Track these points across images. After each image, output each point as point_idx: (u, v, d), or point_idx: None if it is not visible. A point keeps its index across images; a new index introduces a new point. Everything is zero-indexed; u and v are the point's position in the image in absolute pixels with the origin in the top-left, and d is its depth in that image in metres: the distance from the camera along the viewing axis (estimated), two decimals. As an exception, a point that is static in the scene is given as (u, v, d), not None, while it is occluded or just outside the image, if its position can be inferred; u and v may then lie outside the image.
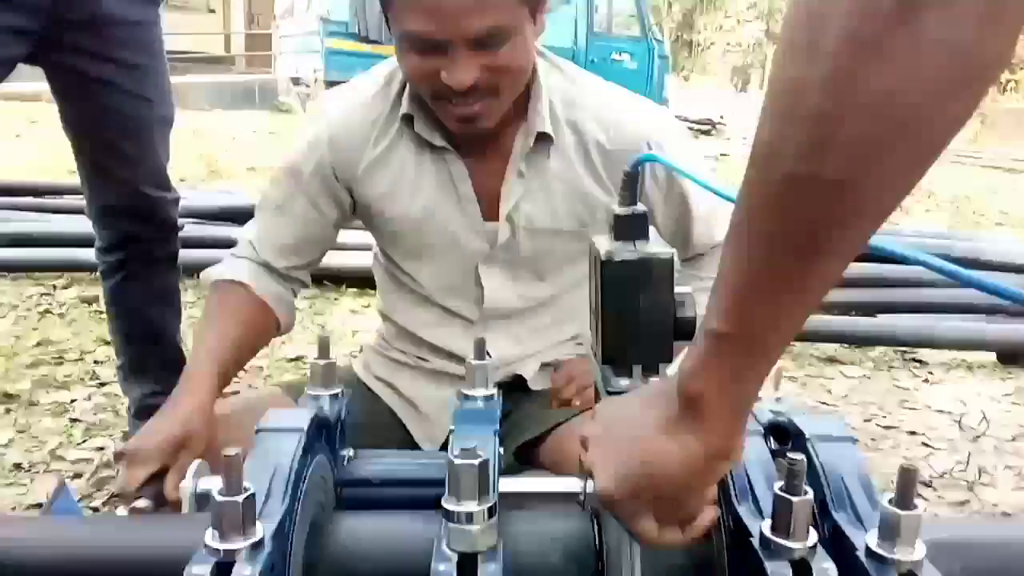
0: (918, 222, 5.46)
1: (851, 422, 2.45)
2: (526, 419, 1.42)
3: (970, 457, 2.20)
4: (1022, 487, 2.10)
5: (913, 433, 2.40)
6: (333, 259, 3.33)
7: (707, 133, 14.15)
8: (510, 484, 1.04)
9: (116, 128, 1.73)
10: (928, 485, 2.05)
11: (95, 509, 1.82)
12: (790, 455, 0.71)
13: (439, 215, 1.36)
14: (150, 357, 1.93)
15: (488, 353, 1.08)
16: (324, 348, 1.06)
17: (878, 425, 2.44)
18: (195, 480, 1.03)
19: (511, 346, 1.44)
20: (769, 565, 0.69)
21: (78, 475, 1.96)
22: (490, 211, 1.36)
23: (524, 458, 1.40)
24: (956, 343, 3.01)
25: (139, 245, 1.86)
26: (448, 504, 0.71)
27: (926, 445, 2.30)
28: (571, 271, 1.44)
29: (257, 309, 1.35)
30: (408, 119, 1.32)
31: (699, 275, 1.45)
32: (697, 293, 1.44)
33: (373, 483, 1.05)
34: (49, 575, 0.84)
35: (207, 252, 3.37)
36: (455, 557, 0.70)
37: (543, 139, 1.31)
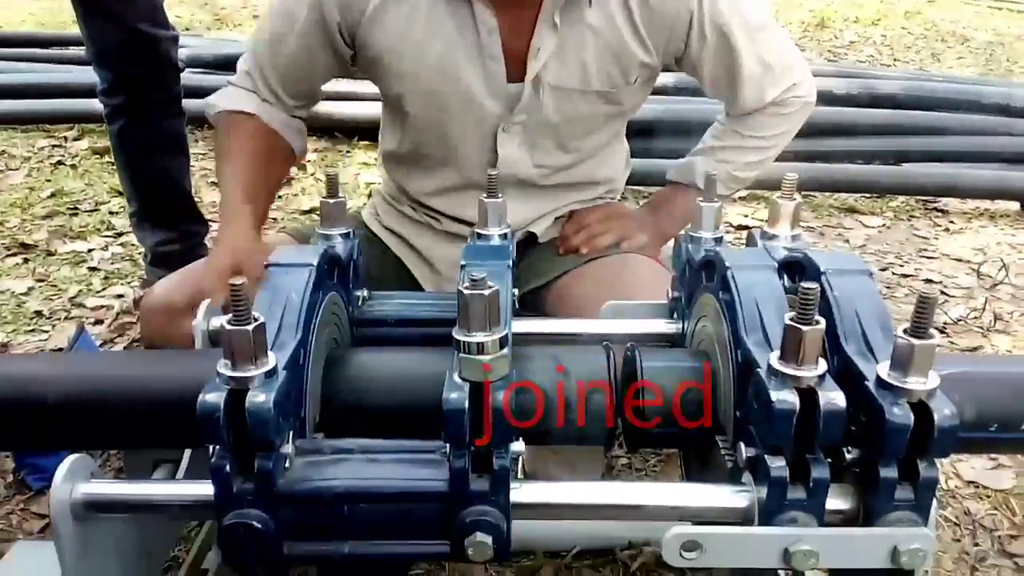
0: (950, 69, 5.24)
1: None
2: (533, 267, 1.40)
3: (986, 304, 2.18)
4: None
5: (930, 281, 2.38)
6: (344, 110, 3.33)
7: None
8: (521, 325, 1.04)
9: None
10: (942, 331, 2.05)
11: (117, 354, 1.85)
12: (803, 284, 0.69)
13: (455, 70, 1.25)
14: (161, 204, 1.92)
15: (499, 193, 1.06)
16: (333, 186, 1.03)
17: (894, 273, 2.42)
18: (207, 318, 1.05)
19: (525, 211, 1.40)
20: (775, 394, 0.68)
21: (99, 321, 1.99)
22: (513, 70, 1.26)
23: (531, 305, 1.39)
24: (979, 192, 2.94)
25: (140, 87, 1.81)
26: (459, 335, 0.70)
27: (943, 293, 2.28)
28: (592, 140, 1.37)
29: (270, 139, 1.31)
30: None
31: (742, 132, 1.40)
32: (734, 151, 1.43)
33: (388, 323, 1.05)
34: (71, 407, 0.85)
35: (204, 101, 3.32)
36: (466, 386, 0.69)
37: None
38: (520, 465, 0.74)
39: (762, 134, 1.40)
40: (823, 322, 0.69)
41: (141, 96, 1.83)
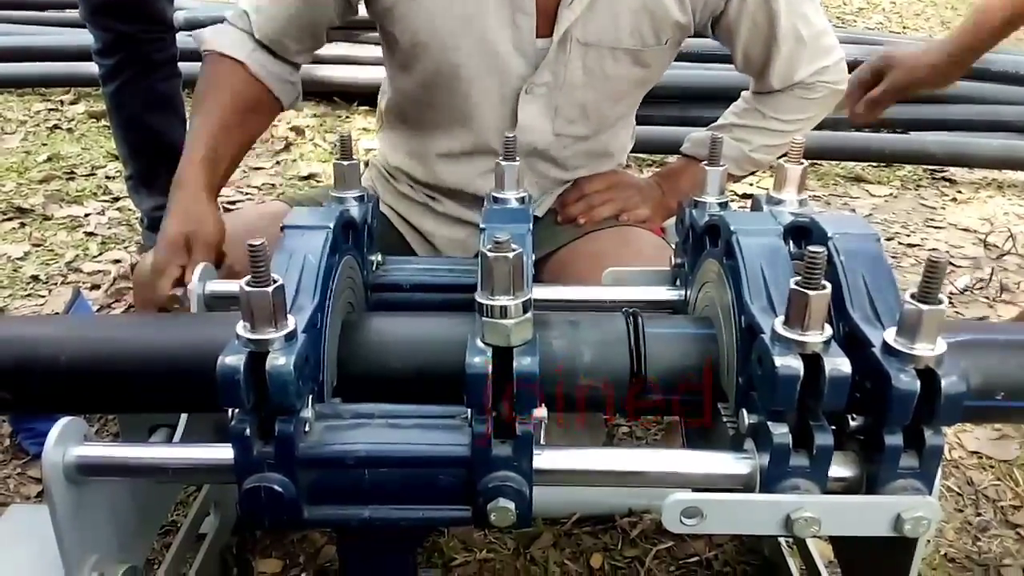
0: (960, 37, 5.17)
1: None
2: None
3: (993, 274, 2.16)
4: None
5: (936, 251, 2.35)
6: (344, 74, 3.28)
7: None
8: (537, 291, 1.03)
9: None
10: (948, 301, 2.03)
11: (114, 319, 1.84)
12: (810, 248, 0.67)
13: (481, 23, 1.18)
14: (157, 167, 1.89)
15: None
16: (346, 148, 1.01)
17: (900, 243, 2.39)
18: (201, 282, 1.03)
19: (532, 185, 1.36)
20: (779, 359, 0.67)
21: (95, 287, 1.97)
22: (542, 25, 1.20)
23: None
24: (988, 161, 2.90)
25: (135, 46, 1.78)
26: (482, 298, 0.68)
27: (949, 263, 2.26)
28: (615, 109, 1.33)
29: (253, 91, 1.23)
30: None
31: (764, 112, 1.37)
32: (753, 132, 1.40)
33: (403, 288, 1.04)
34: (84, 369, 0.83)
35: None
36: (489, 351, 0.68)
37: None
38: (543, 430, 0.73)
39: (784, 117, 1.37)
40: (829, 287, 0.67)
41: (136, 56, 1.80)
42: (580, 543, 1.20)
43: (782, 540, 1.13)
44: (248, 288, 0.67)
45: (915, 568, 0.76)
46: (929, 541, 1.23)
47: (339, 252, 0.88)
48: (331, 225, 0.85)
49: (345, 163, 1.00)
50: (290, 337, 0.69)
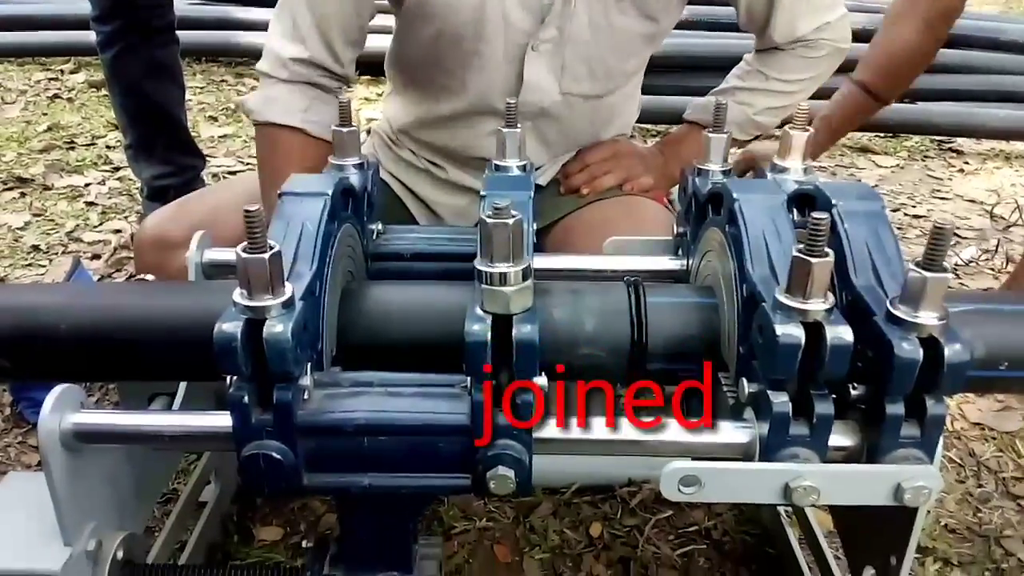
0: (970, 5, 5.10)
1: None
2: (532, 209, 1.36)
3: (998, 246, 2.14)
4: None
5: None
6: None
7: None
8: (539, 261, 1.02)
9: None
10: (953, 273, 2.02)
11: (116, 288, 1.83)
12: (813, 214, 0.66)
13: None
14: (156, 136, 1.88)
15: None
16: (346, 114, 0.99)
17: (906, 214, 2.38)
18: (199, 250, 1.02)
19: (538, 150, 1.34)
20: (780, 327, 0.66)
21: (96, 256, 1.97)
22: None
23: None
24: (996, 132, 2.87)
25: (132, 12, 1.76)
26: (481, 265, 0.68)
27: (955, 234, 2.25)
28: (622, 67, 1.31)
29: (317, 152, 1.18)
30: None
31: (767, 73, 1.35)
32: (755, 94, 1.37)
33: (404, 257, 1.03)
34: (84, 337, 0.83)
35: (209, 34, 3.24)
36: (489, 319, 0.67)
37: None
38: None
39: (787, 77, 1.35)
40: (832, 254, 0.66)
41: (134, 23, 1.78)
42: (580, 512, 1.20)
43: (781, 510, 1.13)
44: (245, 255, 0.66)
45: (915, 538, 0.76)
46: (930, 512, 1.23)
47: (338, 220, 0.87)
48: (329, 192, 0.84)
49: (344, 130, 0.99)
50: (288, 304, 0.68)
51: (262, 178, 1.24)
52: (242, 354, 0.66)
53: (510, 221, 0.67)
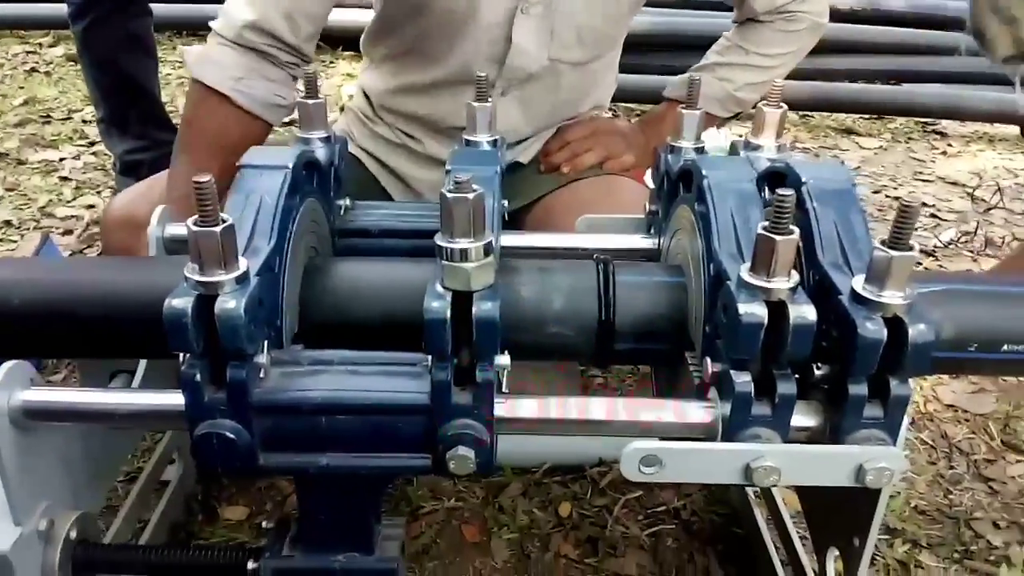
0: (958, -12, 5.08)
1: (860, 192, 2.37)
2: (512, 188, 1.34)
3: (978, 228, 2.14)
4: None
5: (923, 204, 2.33)
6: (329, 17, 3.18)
7: None
8: (510, 239, 1.00)
9: None
10: (931, 255, 2.02)
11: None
12: (778, 191, 0.65)
13: None
14: (129, 110, 1.85)
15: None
16: (312, 86, 0.97)
17: (887, 196, 2.37)
18: (160, 225, 1.00)
19: (521, 120, 1.32)
20: (743, 306, 0.65)
21: (68, 232, 1.94)
22: None
23: (509, 227, 1.34)
24: (980, 114, 2.86)
25: (104, -16, 1.72)
26: (441, 240, 0.66)
27: (935, 216, 2.24)
28: (611, 29, 1.29)
29: (239, 127, 1.16)
30: None
31: (747, 48, 1.34)
32: (735, 69, 1.35)
33: (372, 233, 1.01)
34: (34, 313, 0.81)
35: (183, 7, 3.18)
36: (449, 295, 0.66)
37: None
38: (505, 379, 0.71)
39: (767, 51, 1.33)
40: (797, 232, 0.65)
41: (106, -6, 1.74)
42: (549, 492, 1.19)
43: (749, 490, 1.12)
44: (195, 228, 0.65)
45: (878, 519, 0.75)
46: (900, 493, 1.23)
47: (300, 194, 0.85)
48: (290, 165, 0.82)
49: (310, 102, 0.96)
50: (241, 280, 0.67)
51: (180, 134, 1.20)
52: (193, 331, 0.64)
53: (471, 196, 0.66)
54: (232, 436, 0.69)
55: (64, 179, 2.21)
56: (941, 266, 1.98)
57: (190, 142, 1.18)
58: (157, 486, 1.09)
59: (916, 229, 0.65)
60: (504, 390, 0.72)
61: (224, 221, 0.65)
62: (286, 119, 1.30)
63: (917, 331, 0.64)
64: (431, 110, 1.32)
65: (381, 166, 1.41)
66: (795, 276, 0.66)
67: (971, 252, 2.05)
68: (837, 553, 0.83)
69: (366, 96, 1.42)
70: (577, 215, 1.07)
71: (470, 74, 1.24)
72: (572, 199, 1.30)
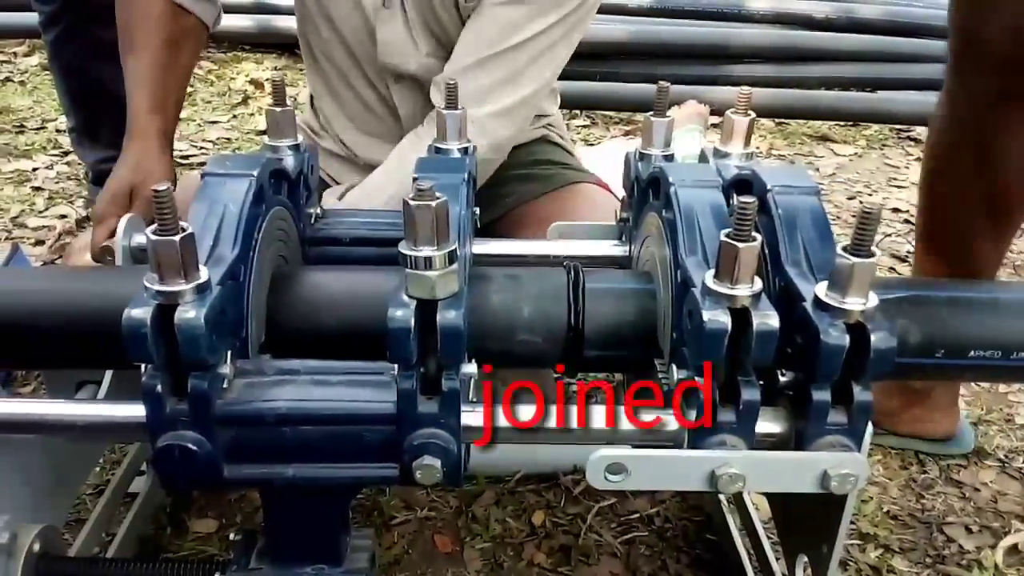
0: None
1: (834, 199, 2.40)
2: (484, 198, 1.33)
3: (951, 234, 2.16)
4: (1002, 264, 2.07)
5: (897, 211, 2.35)
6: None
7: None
8: (482, 246, 1.00)
9: None
10: (904, 260, 2.03)
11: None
12: (740, 198, 0.65)
13: None
14: (101, 118, 1.83)
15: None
16: (280, 94, 0.97)
17: (862, 202, 2.37)
18: (127, 235, 0.99)
19: (415, 108, 1.26)
20: (707, 313, 0.65)
21: (40, 242, 1.92)
22: None
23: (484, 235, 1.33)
24: (954, 122, 2.89)
25: (73, -8, 1.70)
26: (405, 249, 0.65)
27: (908, 222, 2.26)
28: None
29: (178, 21, 1.15)
30: None
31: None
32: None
33: (343, 242, 1.00)
34: None
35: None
36: (413, 304, 0.65)
37: None
38: (472, 387, 0.70)
39: None
40: (759, 239, 0.65)
41: (75, 2, 1.72)
42: (523, 501, 1.19)
43: (723, 497, 1.12)
44: (154, 237, 0.64)
45: (845, 525, 0.75)
46: (872, 498, 1.23)
47: (266, 202, 0.84)
48: (255, 173, 0.82)
49: (278, 110, 0.96)
50: (202, 289, 0.66)
51: (121, 40, 1.18)
52: (152, 341, 0.63)
53: (433, 203, 0.65)
54: (195, 448, 0.68)
55: (37, 189, 2.19)
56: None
57: (132, 41, 1.16)
58: (125, 498, 1.07)
59: (888, 235, 0.66)
60: (472, 399, 0.72)
61: (184, 230, 0.64)
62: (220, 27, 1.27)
63: (879, 337, 0.65)
64: (339, 109, 1.31)
65: (336, 184, 1.39)
66: (758, 283, 0.66)
67: (944, 258, 2.06)
68: (806, 560, 0.83)
69: (313, 109, 1.41)
70: (550, 223, 1.07)
71: (352, 69, 1.24)
72: (545, 209, 1.29)
